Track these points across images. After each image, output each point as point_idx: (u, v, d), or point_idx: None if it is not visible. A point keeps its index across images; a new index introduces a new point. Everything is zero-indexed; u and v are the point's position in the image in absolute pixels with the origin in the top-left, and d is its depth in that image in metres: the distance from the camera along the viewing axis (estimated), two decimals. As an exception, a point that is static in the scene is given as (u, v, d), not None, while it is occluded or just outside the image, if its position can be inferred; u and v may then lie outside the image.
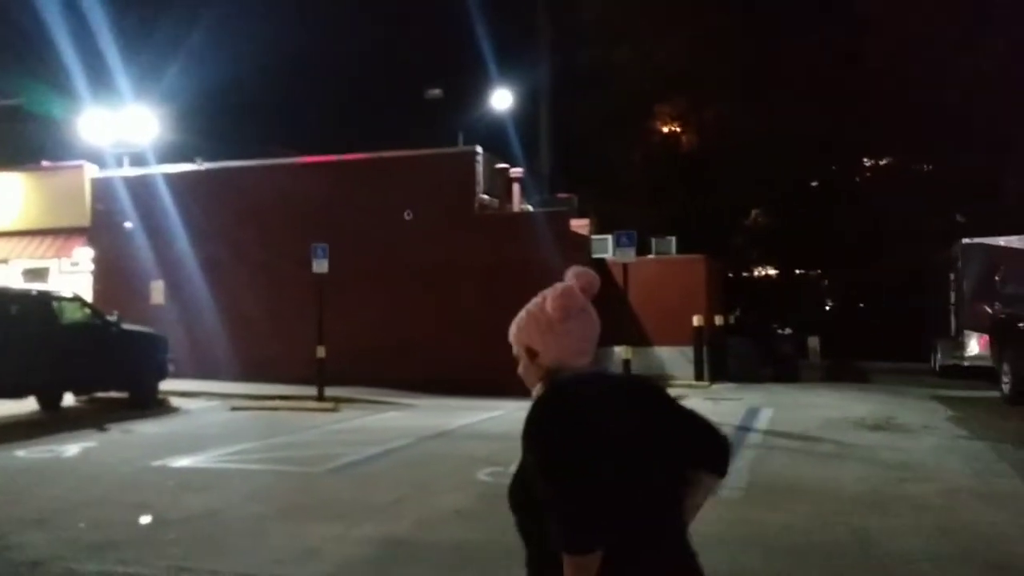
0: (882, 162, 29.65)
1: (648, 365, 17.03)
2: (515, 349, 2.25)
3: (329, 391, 14.81)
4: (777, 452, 10.29)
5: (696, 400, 14.74)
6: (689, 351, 17.70)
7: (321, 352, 14.82)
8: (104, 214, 18.79)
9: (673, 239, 19.07)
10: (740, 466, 9.30)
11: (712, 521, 6.95)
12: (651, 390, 2.31)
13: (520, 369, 2.25)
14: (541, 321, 2.22)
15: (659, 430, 2.18)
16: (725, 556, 6.04)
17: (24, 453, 10.18)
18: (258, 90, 25.95)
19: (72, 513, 7.32)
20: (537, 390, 2.20)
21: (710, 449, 2.25)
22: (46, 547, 6.28)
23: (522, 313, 2.27)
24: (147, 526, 6.99)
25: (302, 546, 6.36)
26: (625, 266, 13.45)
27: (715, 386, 17.24)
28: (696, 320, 17.28)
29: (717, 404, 14.50)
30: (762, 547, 6.37)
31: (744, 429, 11.90)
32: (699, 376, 17.54)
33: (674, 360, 17.90)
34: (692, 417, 2.25)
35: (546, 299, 2.23)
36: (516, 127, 23.98)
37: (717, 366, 17.80)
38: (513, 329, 2.27)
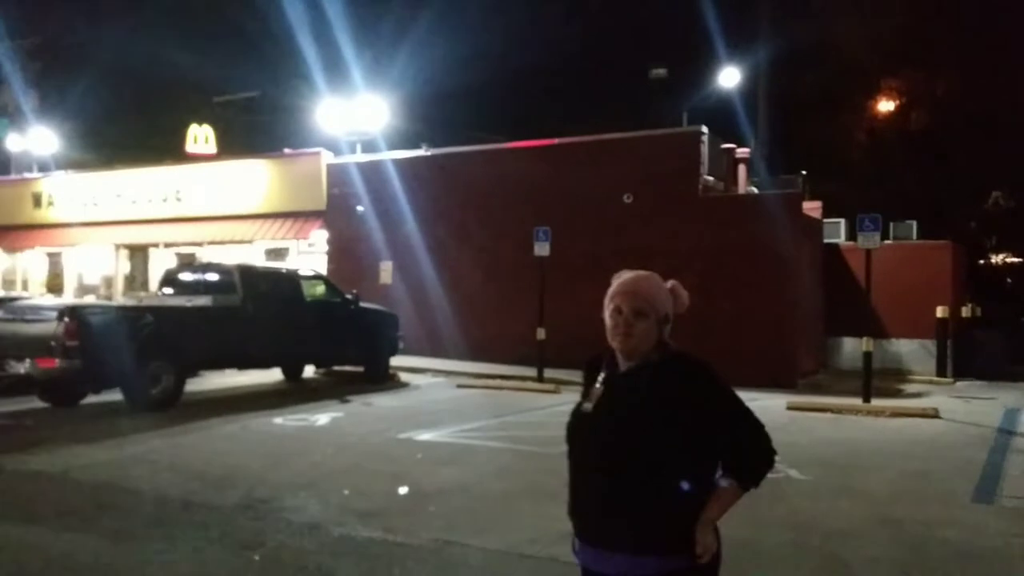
0: None
1: (883, 358, 15.94)
2: (645, 307, 2.56)
3: (547, 373, 14.91)
4: (1052, 459, 9.30)
5: (942, 398, 13.69)
6: (931, 344, 16.40)
7: (541, 334, 14.94)
8: (338, 198, 19.85)
9: (914, 224, 17.72)
10: (1014, 472, 8.53)
11: (991, 532, 6.38)
12: None
13: (642, 327, 2.54)
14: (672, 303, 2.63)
15: None
16: (1014, 572, 5.55)
17: (281, 420, 10.91)
18: (480, 75, 26.52)
19: (335, 479, 7.71)
20: (650, 351, 2.56)
21: None
22: (319, 511, 6.63)
23: (662, 284, 2.63)
24: (406, 497, 7.23)
25: (555, 528, 6.27)
26: (868, 252, 12.59)
27: (960, 383, 15.88)
28: (940, 311, 15.98)
29: (968, 403, 13.37)
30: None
31: (1007, 432, 10.85)
32: (941, 372, 16.22)
33: (913, 353, 16.66)
34: None
35: (680, 291, 2.65)
36: (740, 106, 23.19)
37: (962, 362, 16.39)
38: (658, 293, 2.61)
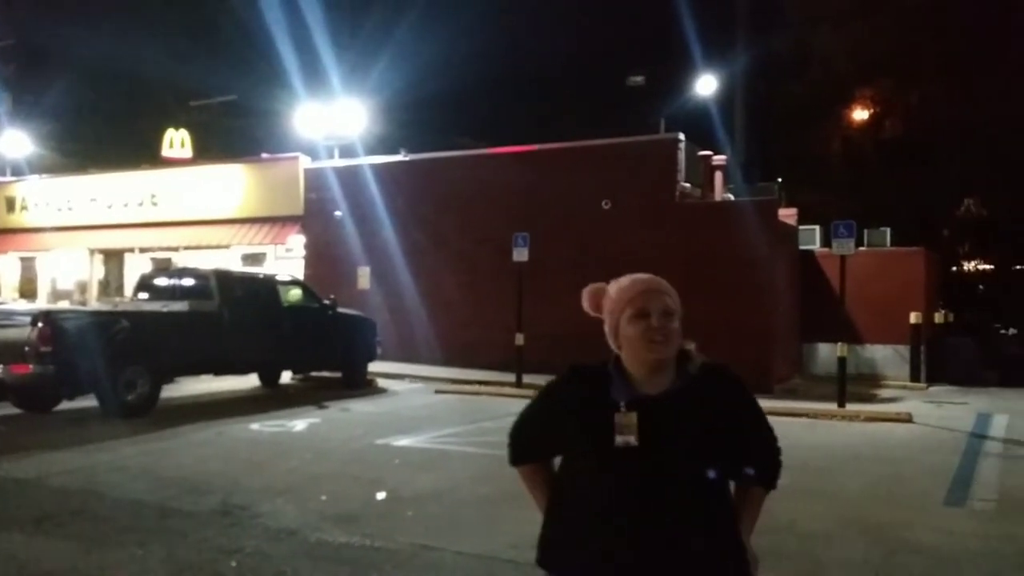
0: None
1: (858, 364, 16.10)
2: (672, 304, 2.31)
3: (526, 379, 14.93)
4: (1022, 463, 9.44)
5: (915, 403, 13.86)
6: (904, 350, 16.56)
7: (520, 340, 14.97)
8: (316, 203, 19.78)
9: (888, 230, 17.91)
10: (985, 476, 8.65)
11: (964, 534, 6.48)
12: None
13: (675, 329, 2.29)
14: None
15: None
16: (986, 573, 5.65)
17: (258, 426, 10.85)
18: (459, 81, 26.56)
19: (312, 485, 7.67)
20: (675, 357, 2.31)
21: None
22: (296, 517, 6.59)
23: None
24: (384, 502, 7.21)
25: (534, 532, 6.33)
26: (842, 259, 12.73)
27: (933, 388, 16.07)
28: (913, 317, 16.15)
29: (940, 408, 13.55)
30: (1034, 567, 5.80)
31: (979, 436, 11.01)
32: (915, 377, 16.39)
33: (887, 359, 16.83)
34: None
35: None
36: (716, 113, 23.38)
37: (935, 367, 16.58)
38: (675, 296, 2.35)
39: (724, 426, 2.25)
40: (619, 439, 2.19)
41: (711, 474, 2.20)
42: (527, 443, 2.51)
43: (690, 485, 2.19)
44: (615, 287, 2.36)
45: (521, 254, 15.17)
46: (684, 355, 2.32)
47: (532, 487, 2.52)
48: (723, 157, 18.32)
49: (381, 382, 15.73)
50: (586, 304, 2.44)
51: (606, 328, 2.37)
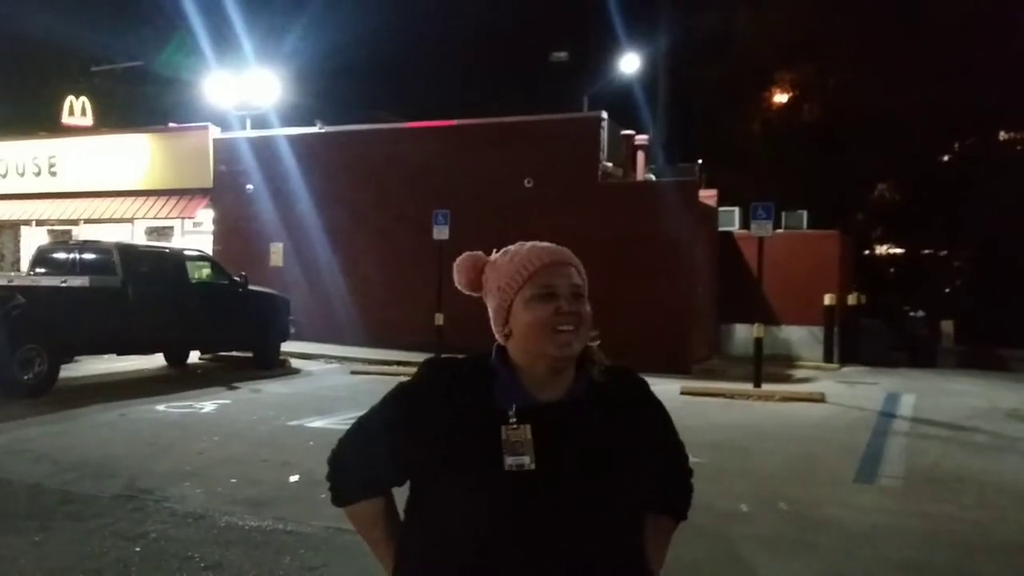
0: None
1: (774, 345, 16.34)
2: (582, 282, 1.80)
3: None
4: (928, 441, 9.71)
5: (828, 383, 14.18)
6: (819, 331, 16.91)
7: (440, 319, 14.73)
8: (226, 175, 19.07)
9: (804, 213, 18.21)
10: (893, 454, 8.88)
11: (873, 510, 6.60)
12: None
13: (587, 315, 1.76)
14: None
15: None
16: (894, 547, 5.74)
17: (164, 408, 10.42)
18: (378, 53, 25.98)
19: (221, 468, 7.39)
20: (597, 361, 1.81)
21: None
22: (204, 501, 6.36)
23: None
24: (297, 485, 6.96)
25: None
26: (761, 240, 12.86)
27: (845, 369, 16.47)
28: (827, 299, 16.49)
29: (852, 388, 13.87)
30: (934, 540, 5.96)
31: (888, 415, 11.30)
32: (828, 358, 16.75)
33: (802, 340, 17.16)
34: None
35: None
36: (639, 93, 23.43)
37: (847, 348, 16.99)
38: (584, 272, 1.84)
39: (634, 443, 1.76)
40: (510, 460, 1.65)
41: (623, 503, 1.73)
42: (364, 470, 1.86)
43: (599, 518, 1.69)
44: (505, 257, 1.82)
45: (441, 232, 14.91)
46: (584, 351, 1.78)
47: (374, 534, 1.87)
48: (645, 137, 18.37)
49: (295, 362, 15.32)
50: (459, 279, 1.89)
51: (490, 310, 1.82)
